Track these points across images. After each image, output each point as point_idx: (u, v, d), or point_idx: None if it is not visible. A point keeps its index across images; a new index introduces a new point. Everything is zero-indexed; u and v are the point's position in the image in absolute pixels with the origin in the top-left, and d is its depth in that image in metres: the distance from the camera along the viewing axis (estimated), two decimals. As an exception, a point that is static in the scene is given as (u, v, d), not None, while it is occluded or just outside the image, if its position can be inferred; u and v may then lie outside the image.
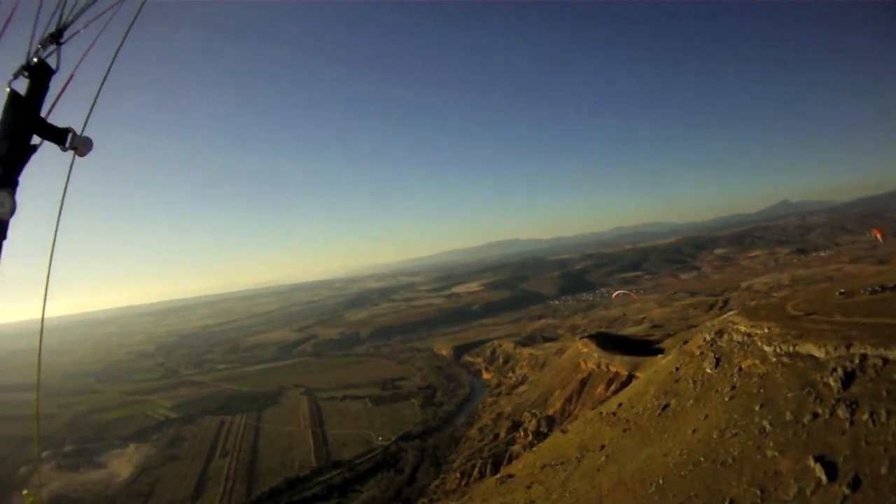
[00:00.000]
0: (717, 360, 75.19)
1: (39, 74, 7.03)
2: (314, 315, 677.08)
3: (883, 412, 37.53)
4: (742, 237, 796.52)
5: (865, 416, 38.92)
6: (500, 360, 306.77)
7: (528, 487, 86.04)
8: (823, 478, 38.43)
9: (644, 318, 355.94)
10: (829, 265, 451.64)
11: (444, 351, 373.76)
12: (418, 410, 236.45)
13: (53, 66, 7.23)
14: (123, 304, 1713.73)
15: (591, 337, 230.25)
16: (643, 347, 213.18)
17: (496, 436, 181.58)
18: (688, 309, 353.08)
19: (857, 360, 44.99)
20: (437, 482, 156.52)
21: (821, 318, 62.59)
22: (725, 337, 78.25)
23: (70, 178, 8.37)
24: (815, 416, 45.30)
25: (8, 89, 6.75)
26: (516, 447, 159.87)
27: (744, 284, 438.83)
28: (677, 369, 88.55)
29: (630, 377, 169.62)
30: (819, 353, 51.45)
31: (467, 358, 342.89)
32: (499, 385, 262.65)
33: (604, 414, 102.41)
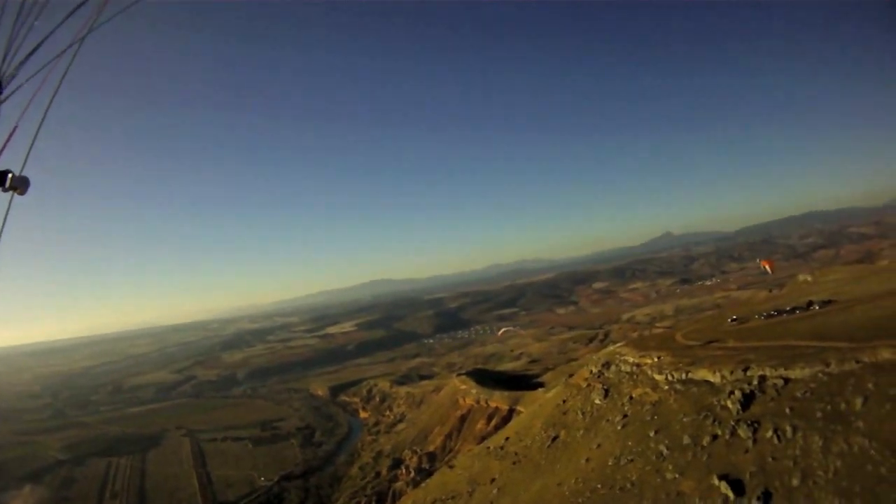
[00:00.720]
0: (606, 390, 75.27)
1: None
2: (191, 356, 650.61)
3: (788, 428, 37.61)
4: (622, 270, 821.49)
5: (769, 434, 38.92)
6: (377, 399, 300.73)
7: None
8: (730, 494, 37.71)
9: (522, 353, 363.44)
10: (715, 293, 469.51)
11: (321, 391, 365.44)
12: (298, 450, 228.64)
13: None
14: (6, 344, 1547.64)
15: (468, 374, 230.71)
16: (522, 382, 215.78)
17: (378, 474, 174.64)
18: (566, 343, 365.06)
19: (755, 382, 45.61)
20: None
21: (714, 345, 64.15)
22: (613, 368, 78.87)
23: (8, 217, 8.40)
24: (715, 437, 45.18)
25: None
26: (399, 484, 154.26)
27: (624, 316, 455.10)
28: (564, 401, 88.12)
29: (511, 411, 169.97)
30: (714, 378, 52.12)
31: (344, 397, 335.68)
32: (377, 424, 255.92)
33: (491, 448, 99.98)
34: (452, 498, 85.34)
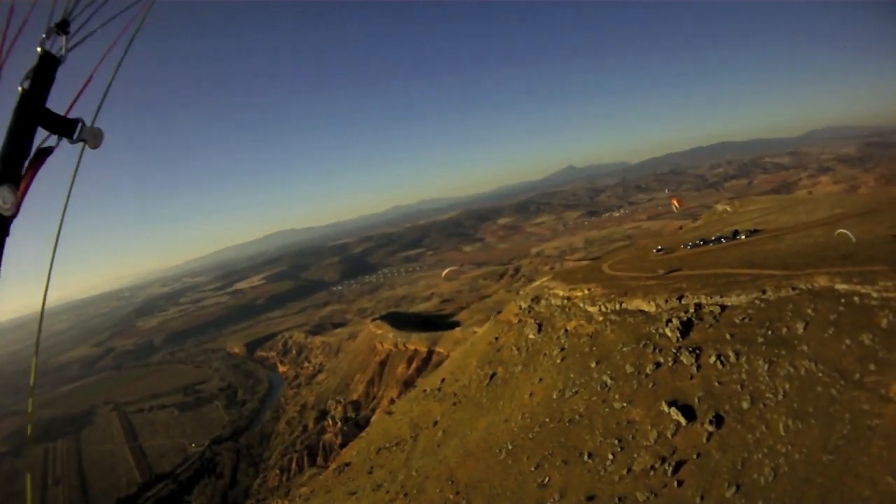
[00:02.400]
0: (539, 325, 78.00)
1: (44, 65, 6.13)
2: (108, 327, 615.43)
3: (731, 353, 40.77)
4: (526, 205, 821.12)
5: (713, 359, 42.07)
6: (294, 352, 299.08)
7: (370, 473, 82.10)
8: (682, 420, 40.69)
9: (433, 293, 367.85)
10: (624, 224, 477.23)
11: (237, 349, 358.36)
12: (224, 412, 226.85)
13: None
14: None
15: (382, 318, 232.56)
16: (438, 322, 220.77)
17: (305, 427, 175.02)
18: (476, 280, 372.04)
19: (692, 310, 48.81)
20: (258, 481, 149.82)
21: (643, 275, 67.45)
22: (543, 302, 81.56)
23: (78, 171, 7.13)
24: (658, 365, 48.31)
25: (20, 89, 5.80)
26: (328, 436, 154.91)
27: (533, 251, 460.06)
28: (497, 339, 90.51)
29: (430, 353, 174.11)
30: (649, 308, 55.23)
31: (261, 353, 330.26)
32: (297, 376, 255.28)
33: (427, 391, 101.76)
34: (397, 444, 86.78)
